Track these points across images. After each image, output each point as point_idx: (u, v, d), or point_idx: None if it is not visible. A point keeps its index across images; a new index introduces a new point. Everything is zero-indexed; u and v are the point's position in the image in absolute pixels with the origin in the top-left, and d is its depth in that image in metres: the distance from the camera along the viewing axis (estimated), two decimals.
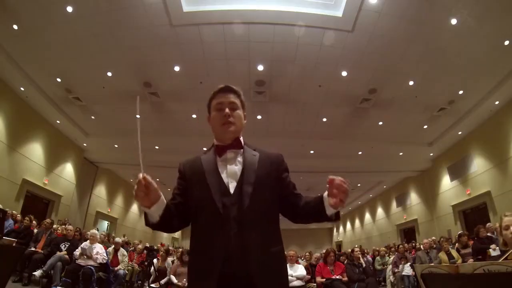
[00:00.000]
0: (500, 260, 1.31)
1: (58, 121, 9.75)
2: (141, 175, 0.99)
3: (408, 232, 14.30)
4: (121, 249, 6.51)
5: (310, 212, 1.16)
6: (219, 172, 1.16)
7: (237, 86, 1.28)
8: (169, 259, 5.82)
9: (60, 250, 5.41)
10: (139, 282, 7.26)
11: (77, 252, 5.13)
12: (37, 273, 4.96)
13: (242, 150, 1.22)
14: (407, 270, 6.43)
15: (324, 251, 6.36)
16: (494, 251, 3.82)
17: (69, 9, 5.62)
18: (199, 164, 1.20)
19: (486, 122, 8.94)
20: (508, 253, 1.58)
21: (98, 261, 5.04)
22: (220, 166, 1.18)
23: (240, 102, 1.27)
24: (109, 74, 7.44)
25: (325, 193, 1.08)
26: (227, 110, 1.20)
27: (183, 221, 1.19)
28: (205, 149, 1.33)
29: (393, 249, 9.34)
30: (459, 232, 6.68)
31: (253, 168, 1.16)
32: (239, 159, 1.20)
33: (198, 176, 1.17)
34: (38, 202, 9.67)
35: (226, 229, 1.07)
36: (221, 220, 1.08)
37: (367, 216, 19.44)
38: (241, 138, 1.26)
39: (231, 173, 1.16)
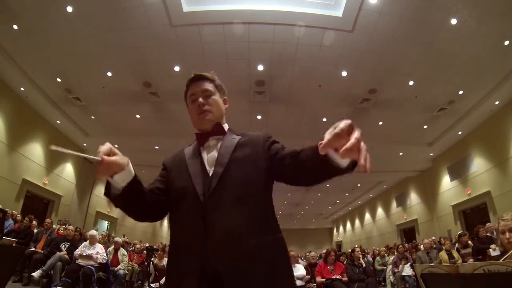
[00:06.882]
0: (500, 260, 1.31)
1: (58, 121, 9.75)
2: (99, 158, 0.90)
3: (408, 232, 14.30)
4: (121, 249, 6.51)
5: (312, 167, 0.96)
6: (202, 160, 1.10)
7: (209, 72, 1.21)
8: None
9: (60, 250, 5.41)
10: (139, 282, 7.26)
11: (77, 252, 5.14)
12: (37, 273, 4.96)
13: (223, 136, 1.15)
14: (407, 270, 6.43)
15: (324, 251, 6.37)
16: (494, 251, 3.82)
17: (69, 9, 5.62)
18: (182, 155, 1.16)
19: (486, 122, 8.93)
20: (506, 255, 1.58)
21: (98, 261, 5.05)
22: (203, 153, 1.13)
23: (215, 86, 1.19)
24: (109, 74, 7.44)
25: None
26: (200, 99, 1.14)
27: (158, 210, 1.11)
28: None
29: (393, 249, 9.34)
30: (459, 232, 6.68)
31: (228, 150, 1.09)
32: (219, 145, 1.13)
33: (180, 166, 1.12)
34: (38, 202, 9.67)
35: (202, 215, 0.98)
36: (200, 207, 0.99)
37: (367, 216, 19.43)
38: (226, 125, 1.20)
39: (211, 160, 1.09)
